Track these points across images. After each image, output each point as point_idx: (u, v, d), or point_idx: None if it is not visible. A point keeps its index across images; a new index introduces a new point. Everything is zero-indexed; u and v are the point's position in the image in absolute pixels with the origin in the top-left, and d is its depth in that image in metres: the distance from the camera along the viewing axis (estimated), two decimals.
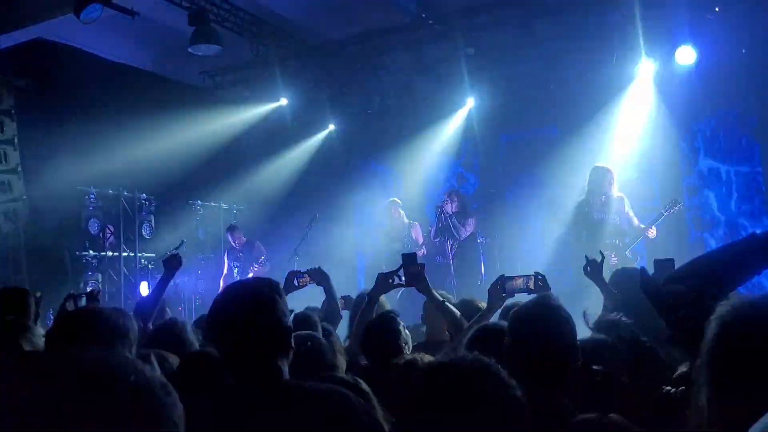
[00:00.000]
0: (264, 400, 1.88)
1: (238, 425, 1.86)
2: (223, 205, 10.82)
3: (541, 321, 2.19)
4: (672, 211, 6.96)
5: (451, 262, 8.64)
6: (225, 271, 9.75)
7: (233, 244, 9.85)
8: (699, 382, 1.35)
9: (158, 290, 4.37)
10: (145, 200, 9.72)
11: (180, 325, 3.16)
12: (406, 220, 9.23)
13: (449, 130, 10.62)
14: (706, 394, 1.32)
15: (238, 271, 9.58)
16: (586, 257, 4.33)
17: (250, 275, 9.01)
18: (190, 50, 8.88)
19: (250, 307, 1.98)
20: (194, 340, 3.17)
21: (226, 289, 2.11)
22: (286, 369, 1.99)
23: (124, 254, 9.40)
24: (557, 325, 2.19)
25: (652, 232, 6.84)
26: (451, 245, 8.69)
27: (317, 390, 1.95)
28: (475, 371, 1.51)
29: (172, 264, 4.42)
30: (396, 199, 9.46)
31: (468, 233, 8.72)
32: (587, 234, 7.00)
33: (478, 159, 10.78)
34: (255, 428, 1.84)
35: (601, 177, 7.06)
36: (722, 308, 1.37)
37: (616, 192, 7.07)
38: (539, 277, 3.87)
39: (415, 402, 1.53)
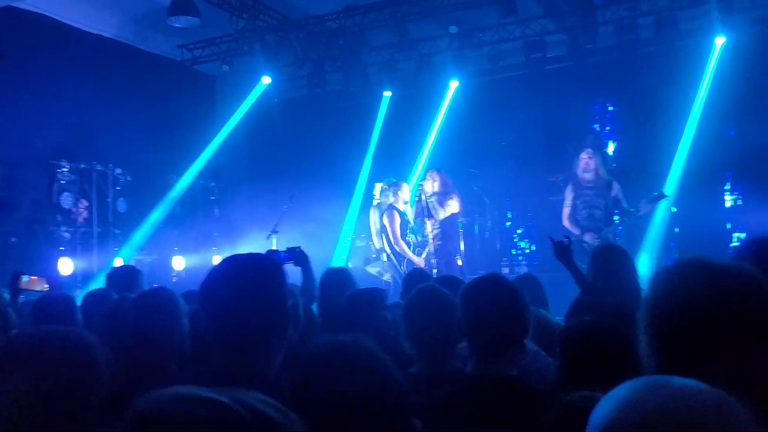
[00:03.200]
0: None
1: None
2: (200, 181, 10.66)
3: (491, 295, 2.25)
4: (657, 201, 7.08)
5: (431, 242, 8.62)
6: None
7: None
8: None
9: (310, 278, 4.35)
10: (120, 174, 9.53)
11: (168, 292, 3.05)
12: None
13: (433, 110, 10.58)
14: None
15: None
16: (551, 239, 4.39)
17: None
18: (168, 22, 8.73)
19: (248, 286, 1.74)
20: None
21: (227, 260, 1.85)
22: (275, 363, 1.77)
23: (98, 230, 9.22)
24: (506, 298, 2.25)
25: (645, 208, 6.95)
26: (432, 225, 8.65)
27: None
28: (353, 354, 1.41)
29: (301, 258, 4.33)
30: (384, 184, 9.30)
31: (448, 214, 8.66)
32: (574, 215, 7.17)
33: (464, 139, 10.75)
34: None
35: (586, 158, 7.17)
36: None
37: (604, 174, 7.20)
38: None
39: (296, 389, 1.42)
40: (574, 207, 7.28)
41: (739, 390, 1.12)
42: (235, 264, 1.82)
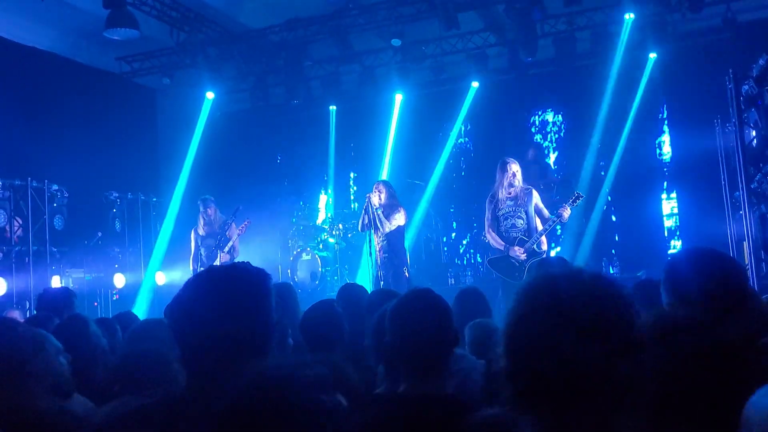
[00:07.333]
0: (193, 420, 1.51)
1: None
2: (141, 197, 10.43)
3: (419, 311, 2.20)
4: (575, 203, 7.13)
5: (378, 254, 8.61)
6: (192, 251, 8.98)
7: (201, 221, 8.84)
8: None
9: None
10: (56, 191, 9.23)
11: (82, 320, 3.02)
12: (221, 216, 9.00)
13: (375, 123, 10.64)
14: None
15: (205, 254, 8.67)
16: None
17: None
18: (105, 34, 8.53)
19: (225, 299, 1.59)
20: (100, 335, 3.02)
21: (202, 272, 1.70)
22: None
23: (34, 248, 8.90)
24: (435, 314, 2.21)
25: (567, 212, 6.97)
26: (378, 238, 8.65)
27: None
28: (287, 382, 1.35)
29: None
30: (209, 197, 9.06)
31: (394, 226, 8.66)
32: (497, 228, 7.08)
33: (408, 151, 10.83)
34: None
35: (504, 170, 7.12)
36: None
37: (522, 184, 7.12)
38: None
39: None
40: (495, 219, 7.16)
41: None
42: (214, 276, 1.67)
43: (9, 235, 8.74)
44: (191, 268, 8.91)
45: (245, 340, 1.58)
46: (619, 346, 1.08)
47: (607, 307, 1.11)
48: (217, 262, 8.29)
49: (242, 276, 1.65)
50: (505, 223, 7.04)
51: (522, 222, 7.01)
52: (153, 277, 10.03)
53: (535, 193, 7.13)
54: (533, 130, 10.59)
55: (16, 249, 8.76)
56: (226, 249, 8.62)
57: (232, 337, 1.57)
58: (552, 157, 10.51)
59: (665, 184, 10.26)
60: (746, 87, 7.17)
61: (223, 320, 1.57)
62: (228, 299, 1.60)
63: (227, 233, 8.77)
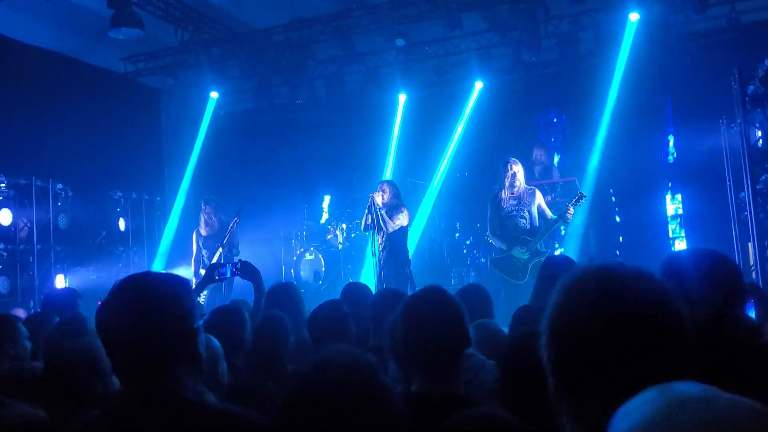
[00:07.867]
0: (147, 422, 1.61)
1: None
2: (146, 196, 10.45)
3: (432, 309, 2.19)
4: (578, 203, 7.11)
5: (381, 254, 8.61)
6: (194, 252, 8.92)
7: (202, 221, 8.78)
8: None
9: (262, 292, 4.39)
10: (61, 190, 9.26)
11: (80, 320, 3.05)
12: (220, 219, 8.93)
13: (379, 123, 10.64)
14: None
15: (207, 255, 8.60)
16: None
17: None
18: (110, 34, 8.55)
19: (141, 305, 1.68)
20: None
21: (118, 283, 1.79)
22: (190, 383, 1.71)
23: (38, 247, 8.93)
24: (448, 312, 2.20)
25: (570, 212, 6.95)
26: (381, 238, 8.64)
27: (221, 414, 1.68)
28: (353, 372, 1.38)
29: (250, 271, 4.45)
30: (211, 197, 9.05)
31: (397, 226, 8.66)
32: (500, 228, 7.06)
33: (411, 150, 10.81)
34: None
35: (506, 170, 7.06)
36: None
37: (524, 184, 7.09)
38: None
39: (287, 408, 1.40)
40: (498, 219, 7.13)
41: None
42: (130, 285, 1.76)
43: (13, 233, 8.77)
44: (192, 269, 8.89)
45: (165, 344, 1.66)
46: (671, 333, 1.10)
47: (660, 294, 1.13)
48: (214, 260, 8.33)
49: (154, 282, 1.76)
50: (508, 222, 7.03)
51: (525, 222, 6.99)
52: None
53: (538, 193, 7.11)
54: (537, 130, 10.57)
55: (21, 248, 8.79)
56: (224, 241, 8.61)
57: (150, 342, 1.65)
58: (556, 158, 10.49)
59: (670, 184, 10.23)
60: (752, 87, 7.16)
61: (139, 328, 1.66)
62: (142, 306, 1.69)
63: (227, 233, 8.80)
